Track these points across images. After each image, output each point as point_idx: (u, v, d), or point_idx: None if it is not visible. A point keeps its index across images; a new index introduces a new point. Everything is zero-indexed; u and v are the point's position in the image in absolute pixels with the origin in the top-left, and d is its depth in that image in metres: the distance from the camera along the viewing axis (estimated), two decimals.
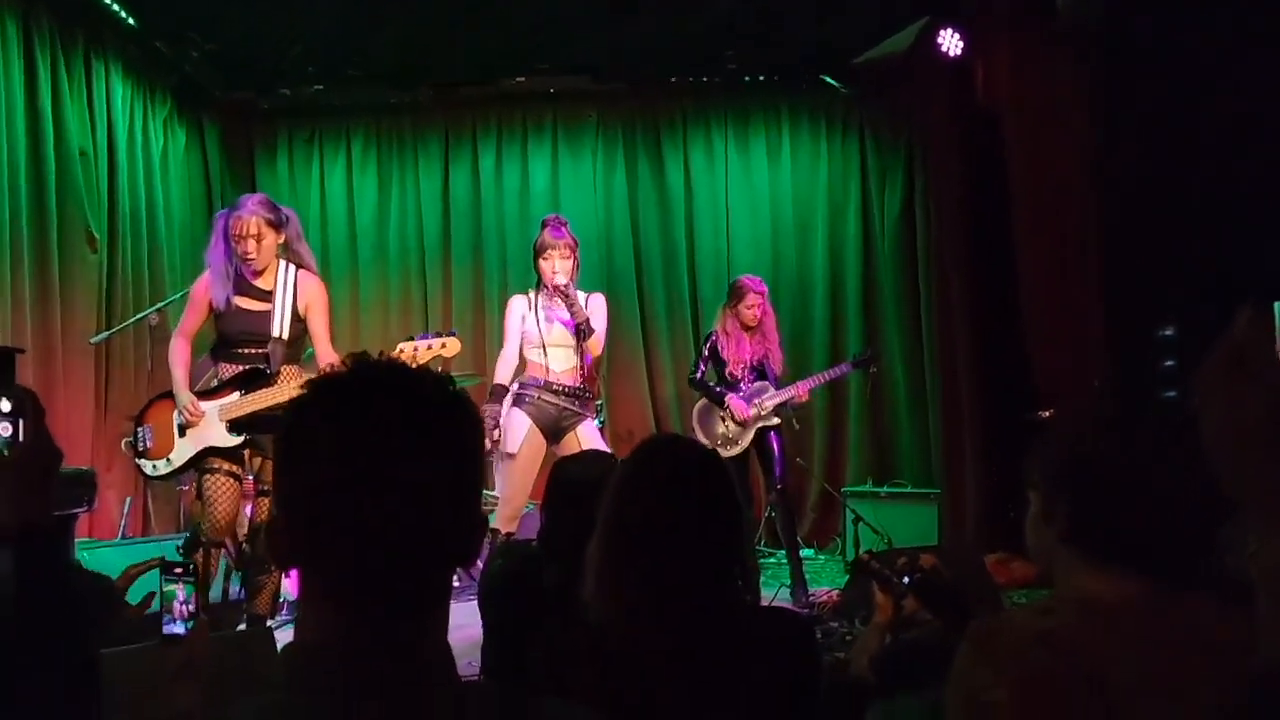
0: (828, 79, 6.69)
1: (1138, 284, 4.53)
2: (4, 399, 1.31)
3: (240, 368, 3.82)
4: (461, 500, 0.93)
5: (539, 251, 4.34)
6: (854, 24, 5.93)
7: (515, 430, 4.18)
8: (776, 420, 5.09)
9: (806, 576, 5.03)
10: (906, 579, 2.15)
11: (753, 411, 5.02)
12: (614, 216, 7.13)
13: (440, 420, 0.92)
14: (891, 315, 6.81)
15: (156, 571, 1.72)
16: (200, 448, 3.77)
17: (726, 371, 5.13)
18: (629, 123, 7.18)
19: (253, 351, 3.83)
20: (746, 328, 5.13)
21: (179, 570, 1.65)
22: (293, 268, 3.91)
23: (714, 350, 5.19)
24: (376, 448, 0.88)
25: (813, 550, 6.36)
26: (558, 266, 4.27)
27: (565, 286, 4.24)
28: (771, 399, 5.07)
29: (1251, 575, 1.67)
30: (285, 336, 3.83)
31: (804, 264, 7.00)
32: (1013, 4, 5.12)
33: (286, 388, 3.72)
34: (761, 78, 6.93)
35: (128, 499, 5.30)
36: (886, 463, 6.62)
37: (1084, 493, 1.35)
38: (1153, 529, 1.32)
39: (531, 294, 4.39)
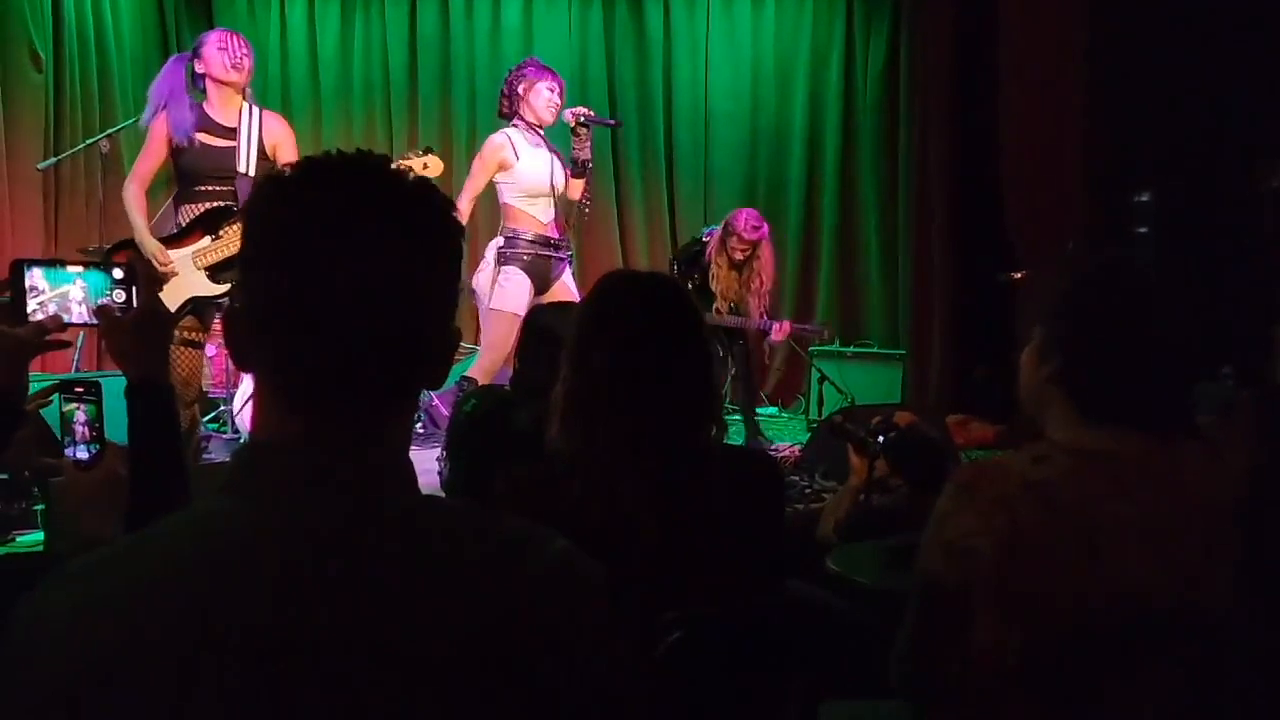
0: None
1: (1117, 151, 4.49)
2: (116, 268, 1.45)
3: (203, 207, 3.67)
4: (432, 306, 0.87)
5: (529, 81, 4.15)
6: None
7: (517, 290, 4.09)
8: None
9: (769, 435, 5.10)
10: (881, 438, 2.14)
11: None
12: (589, 60, 6.85)
13: (416, 216, 0.85)
14: (868, 171, 6.69)
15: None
16: (183, 299, 3.61)
17: (714, 307, 4.97)
18: None
19: (216, 189, 3.69)
20: (734, 265, 4.99)
21: (79, 389, 1.53)
22: (256, 107, 3.78)
23: (702, 273, 5.04)
24: (341, 235, 0.81)
25: (776, 408, 6.42)
26: (556, 100, 4.12)
27: (584, 114, 4.11)
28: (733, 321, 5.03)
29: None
30: (252, 173, 3.69)
31: (783, 114, 6.80)
32: None
33: None
34: None
35: (80, 333, 5.19)
36: (854, 322, 6.63)
37: (1076, 342, 1.34)
38: (1140, 381, 1.33)
39: (513, 134, 4.18)
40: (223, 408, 5.17)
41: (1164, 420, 1.33)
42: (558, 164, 4.18)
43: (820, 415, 5.54)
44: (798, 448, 4.67)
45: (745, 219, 4.93)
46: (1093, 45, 4.47)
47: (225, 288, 3.63)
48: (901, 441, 2.12)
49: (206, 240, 3.63)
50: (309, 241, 0.81)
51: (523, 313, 4.03)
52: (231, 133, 3.71)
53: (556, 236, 4.23)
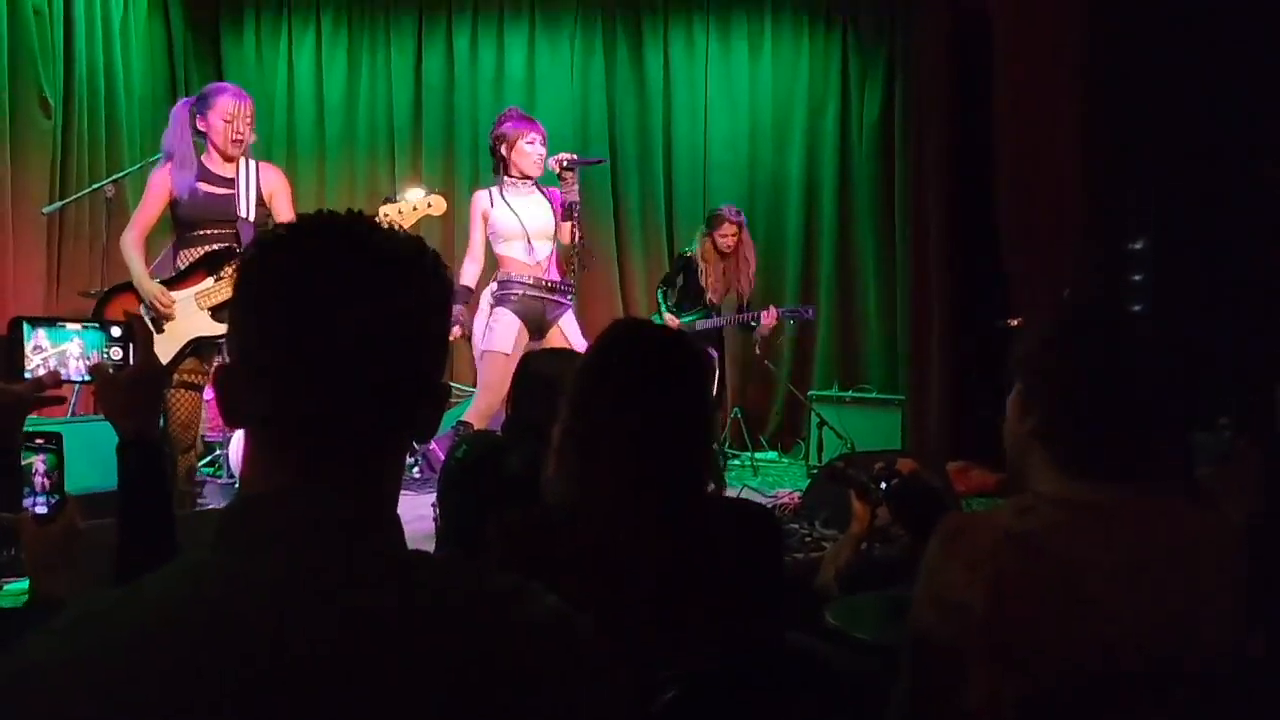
0: None
1: (1115, 198, 4.51)
2: (114, 326, 1.47)
3: (204, 250, 3.69)
4: (422, 360, 0.88)
5: (509, 140, 4.23)
6: None
7: (505, 330, 4.12)
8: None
9: (771, 479, 5.16)
10: (883, 485, 2.12)
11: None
12: (590, 106, 6.95)
13: (406, 269, 0.86)
14: (865, 217, 6.75)
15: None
16: (186, 340, 3.61)
17: (707, 299, 5.50)
18: (609, 10, 6.94)
19: (217, 232, 3.72)
20: (721, 255, 5.52)
21: (39, 440, 1.46)
22: (253, 161, 3.83)
23: (691, 275, 5.55)
24: (334, 283, 0.82)
25: (776, 453, 6.41)
26: (540, 151, 4.20)
27: (568, 159, 4.20)
28: (719, 321, 5.57)
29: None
30: (252, 218, 3.73)
31: (780, 163, 6.89)
32: None
33: None
34: None
35: (75, 388, 5.20)
36: (854, 367, 6.65)
37: (1059, 396, 1.33)
38: (1122, 433, 1.32)
39: (494, 187, 4.28)
40: (219, 452, 5.17)
41: (1150, 471, 1.32)
42: (546, 207, 4.23)
43: (820, 460, 5.53)
44: (797, 494, 4.65)
45: (728, 209, 5.62)
46: (1089, 102, 4.51)
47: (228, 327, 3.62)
48: (904, 489, 2.10)
49: (209, 281, 3.65)
50: (303, 290, 0.82)
51: (510, 351, 4.06)
52: (230, 183, 3.76)
53: (553, 279, 4.25)
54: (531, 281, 4.18)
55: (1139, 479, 1.31)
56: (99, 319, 3.66)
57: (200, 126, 3.74)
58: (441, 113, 6.96)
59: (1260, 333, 3.83)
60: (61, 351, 1.44)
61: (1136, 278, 4.19)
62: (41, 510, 1.44)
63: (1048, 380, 1.36)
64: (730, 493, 4.75)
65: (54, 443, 1.47)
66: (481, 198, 4.27)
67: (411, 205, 3.72)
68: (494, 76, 6.96)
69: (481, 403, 4.13)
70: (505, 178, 4.26)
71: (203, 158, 3.76)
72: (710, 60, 6.90)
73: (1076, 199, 4.57)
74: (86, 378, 1.46)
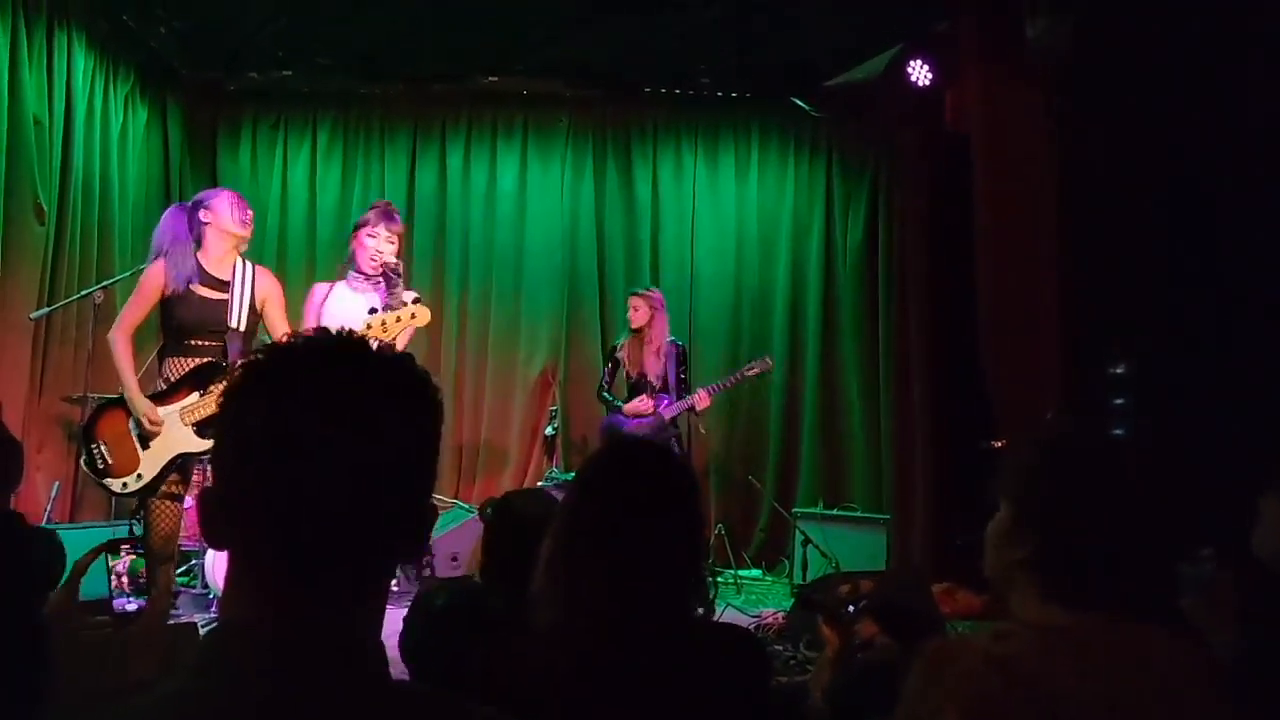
0: (798, 101, 6.71)
1: (1095, 318, 4.58)
2: None
3: (192, 362, 3.70)
4: (410, 487, 0.87)
5: (358, 229, 4.23)
6: (827, 48, 5.96)
7: None
8: (674, 430, 5.60)
9: (754, 597, 5.05)
10: (852, 607, 2.12)
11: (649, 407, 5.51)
12: (580, 222, 7.09)
13: (393, 396, 0.86)
14: (849, 338, 6.84)
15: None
16: (170, 456, 3.61)
17: (624, 374, 5.73)
18: (600, 130, 7.16)
19: (206, 344, 3.73)
20: (634, 332, 5.71)
21: (126, 546, 1.61)
22: (249, 263, 3.87)
23: (617, 365, 5.77)
24: (315, 417, 0.81)
25: (760, 571, 6.34)
26: (388, 246, 4.18)
27: (397, 265, 4.15)
28: (669, 409, 5.55)
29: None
30: (242, 328, 3.75)
31: (765, 282, 7.01)
32: (983, 37, 5.16)
33: None
34: (734, 95, 6.93)
35: (55, 483, 5.13)
36: (838, 486, 6.63)
37: (1046, 524, 1.34)
38: (1114, 565, 1.32)
39: (342, 282, 4.24)
40: (194, 561, 5.06)
41: (1134, 600, 1.32)
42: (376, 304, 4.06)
43: (805, 579, 5.46)
44: (781, 614, 4.58)
45: (642, 290, 5.89)
46: (1066, 226, 4.63)
47: (211, 443, 3.61)
48: (882, 604, 2.10)
49: (195, 396, 3.64)
50: (286, 422, 0.82)
51: None
52: (224, 285, 3.77)
53: None
54: None
55: (1122, 607, 1.30)
56: (88, 434, 3.66)
57: (204, 218, 3.78)
58: (433, 224, 7.08)
59: (1244, 461, 3.84)
60: None
61: (1118, 401, 4.23)
62: (131, 608, 1.61)
63: (1035, 508, 1.36)
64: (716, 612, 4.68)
65: (140, 550, 1.62)
66: (315, 294, 4.27)
67: (395, 316, 3.74)
68: (485, 190, 7.11)
69: None
70: (353, 273, 4.23)
71: (198, 256, 3.77)
72: (698, 180, 7.08)
73: (1057, 321, 4.65)
74: None
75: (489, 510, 2.43)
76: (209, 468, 3.69)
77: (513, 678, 1.50)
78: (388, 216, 4.24)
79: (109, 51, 5.85)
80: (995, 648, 1.28)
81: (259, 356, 0.88)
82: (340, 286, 4.25)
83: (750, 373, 5.77)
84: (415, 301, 3.80)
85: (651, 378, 5.62)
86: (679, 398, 5.62)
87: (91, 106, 5.66)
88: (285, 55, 6.34)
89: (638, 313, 5.71)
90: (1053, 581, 1.32)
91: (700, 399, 5.52)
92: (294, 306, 6.44)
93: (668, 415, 5.58)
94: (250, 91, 6.90)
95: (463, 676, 1.57)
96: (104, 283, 4.97)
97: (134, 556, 1.55)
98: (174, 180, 6.56)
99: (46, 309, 5.02)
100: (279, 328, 3.84)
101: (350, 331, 0.90)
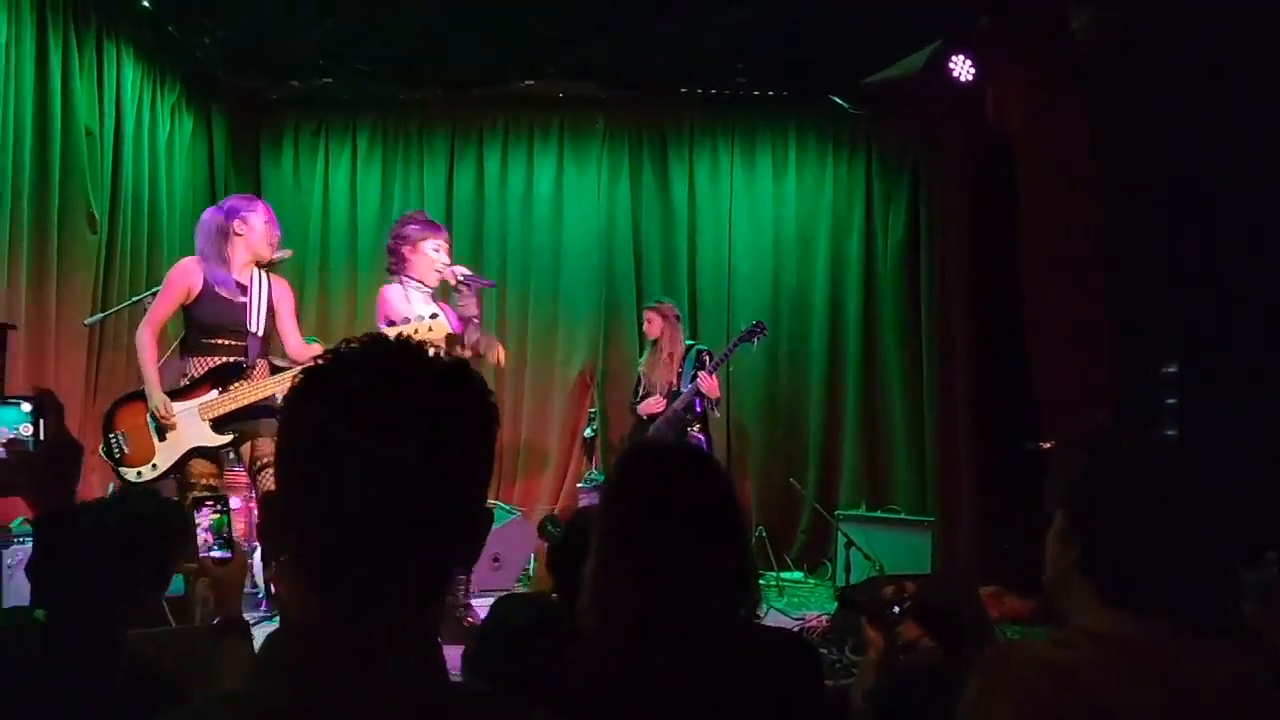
0: (837, 99, 6.67)
1: (1144, 316, 4.51)
2: (24, 401, 1.46)
3: (215, 360, 3.79)
4: (464, 492, 0.87)
5: (414, 239, 4.25)
6: (866, 45, 5.91)
7: None
8: (697, 425, 5.56)
9: (797, 600, 5.02)
10: (897, 608, 2.10)
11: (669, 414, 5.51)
12: (616, 224, 7.10)
13: (451, 401, 0.87)
14: (891, 337, 6.78)
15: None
16: (185, 449, 3.71)
17: (644, 385, 5.75)
18: (636, 132, 7.16)
19: (228, 343, 3.83)
20: (653, 341, 5.78)
21: (210, 500, 1.98)
22: (265, 273, 3.98)
23: (639, 375, 5.80)
24: (374, 429, 0.82)
25: (802, 573, 6.31)
26: (445, 259, 4.24)
27: (466, 275, 4.23)
28: (680, 400, 5.53)
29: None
30: (261, 333, 3.87)
31: (804, 282, 6.98)
32: (1026, 31, 5.10)
33: (265, 383, 3.70)
34: (771, 94, 6.91)
35: (111, 485, 5.22)
36: (881, 487, 6.57)
37: (1105, 528, 1.32)
38: (1166, 567, 1.30)
39: (399, 285, 4.27)
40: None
41: (1194, 607, 1.29)
42: (448, 317, 4.16)
43: (848, 581, 5.42)
44: (825, 616, 4.56)
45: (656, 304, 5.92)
46: (1112, 220, 4.56)
47: (228, 439, 3.70)
48: (927, 606, 2.08)
49: (214, 394, 3.74)
50: (345, 429, 0.83)
51: None
52: (244, 290, 3.89)
53: None
54: None
55: (1183, 614, 1.28)
56: (107, 423, 3.75)
57: (238, 229, 3.86)
58: (471, 228, 7.12)
59: None
60: None
61: (1169, 401, 4.16)
62: (219, 555, 1.96)
63: (1094, 512, 1.34)
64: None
65: (223, 504, 1.98)
66: (395, 294, 4.20)
67: (413, 328, 3.74)
68: (523, 194, 7.15)
69: None
70: (405, 279, 4.25)
71: (227, 259, 3.89)
72: (735, 180, 7.07)
73: (1104, 319, 4.58)
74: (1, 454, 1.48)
75: (550, 526, 2.42)
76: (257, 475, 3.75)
77: (564, 684, 1.50)
78: (436, 226, 4.35)
79: (156, 62, 5.95)
80: (1056, 656, 1.26)
81: (318, 362, 0.89)
82: (413, 293, 4.27)
83: (740, 341, 5.76)
84: (434, 317, 3.79)
85: (663, 386, 5.65)
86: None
87: (140, 117, 5.77)
88: (326, 63, 6.40)
89: (651, 325, 5.78)
90: (1107, 585, 1.31)
91: (702, 379, 5.49)
92: (333, 309, 6.55)
93: (680, 405, 5.55)
94: (292, 99, 6.99)
95: (529, 688, 1.57)
96: (153, 290, 5.05)
97: (216, 515, 1.85)
98: (219, 188, 6.66)
99: (100, 315, 5.11)
100: (288, 330, 3.97)
101: (408, 337, 0.91)
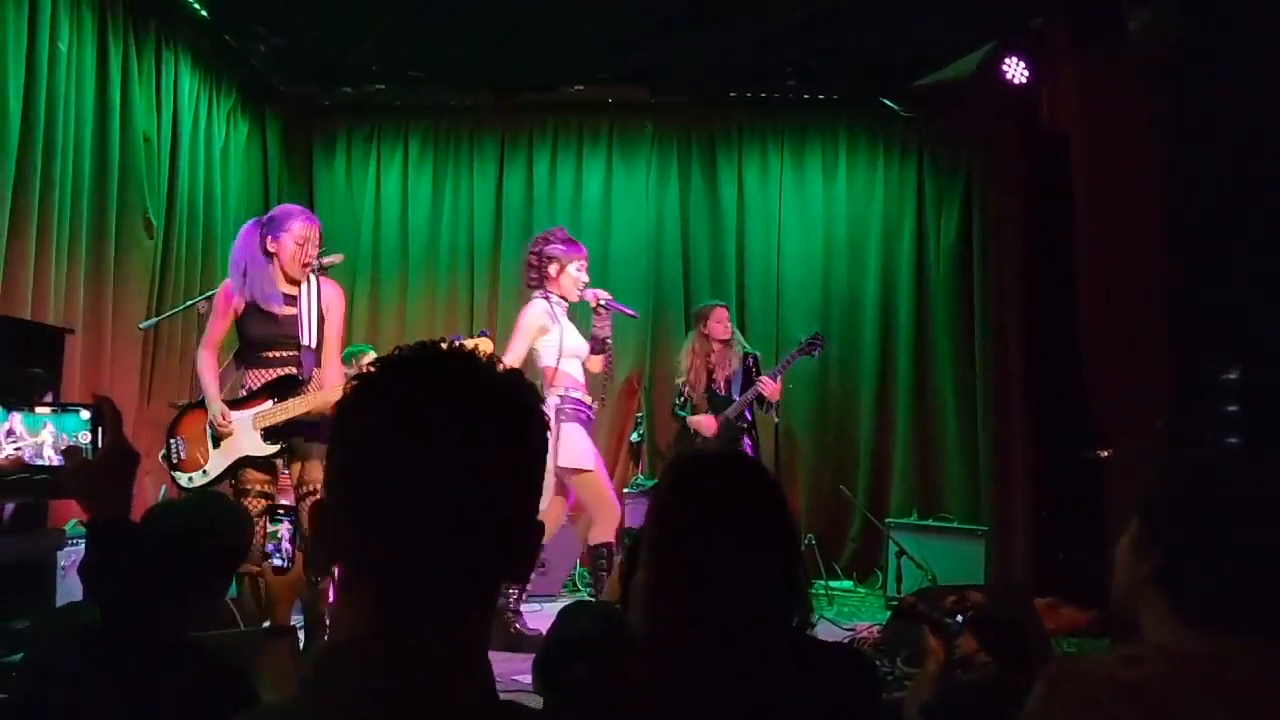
0: (888, 101, 6.60)
1: (1204, 322, 4.39)
2: (83, 409, 1.46)
3: (271, 373, 3.83)
4: (514, 503, 0.86)
5: (562, 260, 4.33)
6: (917, 47, 5.85)
7: (583, 445, 4.23)
8: (742, 424, 5.46)
9: (847, 610, 4.98)
10: (959, 618, 2.06)
11: (719, 421, 5.39)
12: (664, 228, 7.10)
13: (502, 410, 0.86)
14: (943, 341, 6.68)
15: None
16: (236, 457, 3.75)
17: (715, 388, 5.52)
18: (684, 136, 7.15)
19: (282, 355, 3.85)
20: (721, 342, 5.55)
21: (280, 511, 1.88)
22: (316, 278, 3.94)
23: (694, 377, 5.54)
24: (425, 436, 0.81)
25: (852, 582, 6.23)
26: (584, 279, 4.34)
27: (605, 298, 4.34)
28: (734, 408, 5.42)
29: None
30: (314, 345, 3.86)
31: (855, 286, 6.91)
32: (1080, 31, 5.00)
33: (318, 395, 3.72)
34: (820, 97, 6.86)
35: (164, 486, 5.32)
36: (933, 495, 6.48)
37: (1178, 541, 1.28)
38: (1247, 584, 1.25)
39: (546, 301, 4.36)
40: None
41: (1273, 624, 1.24)
42: (580, 336, 4.42)
43: (899, 592, 5.36)
44: (876, 627, 4.49)
45: (713, 303, 5.77)
46: (1173, 212, 4.45)
47: (275, 448, 3.73)
48: (984, 619, 2.03)
49: (269, 404, 3.77)
50: (395, 437, 0.82)
51: (593, 466, 4.08)
52: (293, 300, 3.87)
53: (592, 400, 4.39)
54: (589, 401, 4.28)
55: (1261, 632, 1.23)
56: (171, 430, 3.81)
57: (270, 248, 3.86)
58: (520, 231, 7.14)
59: None
60: (38, 439, 1.50)
61: (1231, 409, 4.04)
62: (278, 564, 2.03)
63: (1176, 525, 1.30)
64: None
65: (290, 516, 2.05)
66: (542, 307, 4.32)
67: (459, 344, 3.74)
68: (572, 196, 7.17)
69: (600, 521, 4.22)
70: (547, 295, 4.34)
71: (271, 273, 3.88)
72: (784, 184, 7.03)
73: (1164, 325, 4.47)
74: (58, 461, 1.49)
75: (626, 538, 2.41)
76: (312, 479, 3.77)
77: (621, 694, 1.48)
78: (578, 245, 4.46)
79: (212, 70, 6.08)
80: (1124, 672, 1.22)
81: (370, 369, 0.88)
82: (556, 308, 4.38)
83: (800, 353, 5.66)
84: (481, 334, 3.81)
85: (720, 383, 5.57)
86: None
87: (196, 123, 5.88)
88: (378, 69, 6.49)
89: (723, 325, 5.62)
90: (1186, 599, 1.26)
91: (763, 383, 5.40)
92: (383, 313, 6.59)
93: (732, 413, 5.47)
94: (345, 105, 7.09)
95: (590, 698, 1.55)
96: (207, 294, 5.12)
97: (280, 525, 1.87)
98: (272, 193, 6.77)
99: (155, 319, 5.20)
100: (329, 354, 3.91)
101: (461, 344, 0.90)
